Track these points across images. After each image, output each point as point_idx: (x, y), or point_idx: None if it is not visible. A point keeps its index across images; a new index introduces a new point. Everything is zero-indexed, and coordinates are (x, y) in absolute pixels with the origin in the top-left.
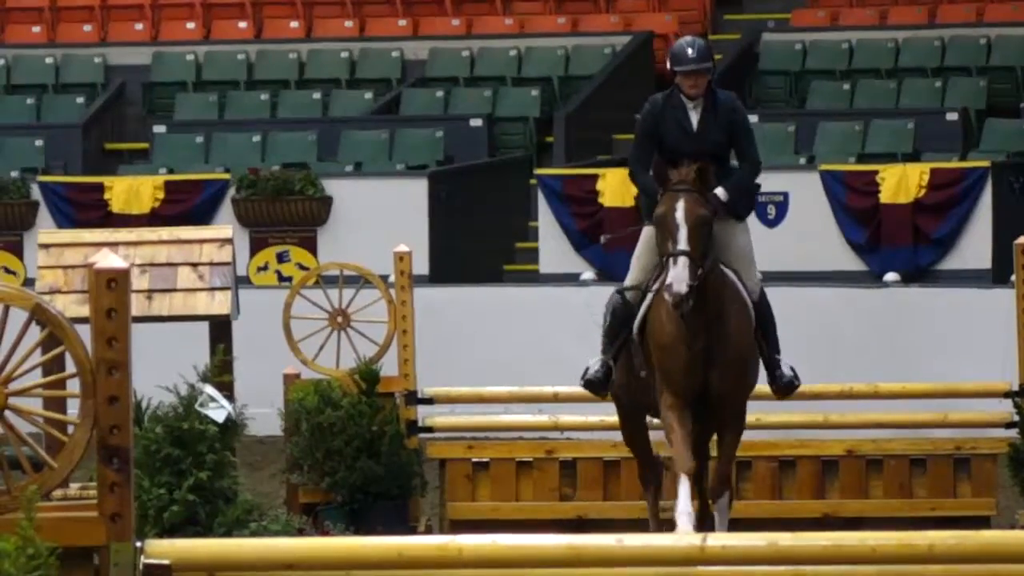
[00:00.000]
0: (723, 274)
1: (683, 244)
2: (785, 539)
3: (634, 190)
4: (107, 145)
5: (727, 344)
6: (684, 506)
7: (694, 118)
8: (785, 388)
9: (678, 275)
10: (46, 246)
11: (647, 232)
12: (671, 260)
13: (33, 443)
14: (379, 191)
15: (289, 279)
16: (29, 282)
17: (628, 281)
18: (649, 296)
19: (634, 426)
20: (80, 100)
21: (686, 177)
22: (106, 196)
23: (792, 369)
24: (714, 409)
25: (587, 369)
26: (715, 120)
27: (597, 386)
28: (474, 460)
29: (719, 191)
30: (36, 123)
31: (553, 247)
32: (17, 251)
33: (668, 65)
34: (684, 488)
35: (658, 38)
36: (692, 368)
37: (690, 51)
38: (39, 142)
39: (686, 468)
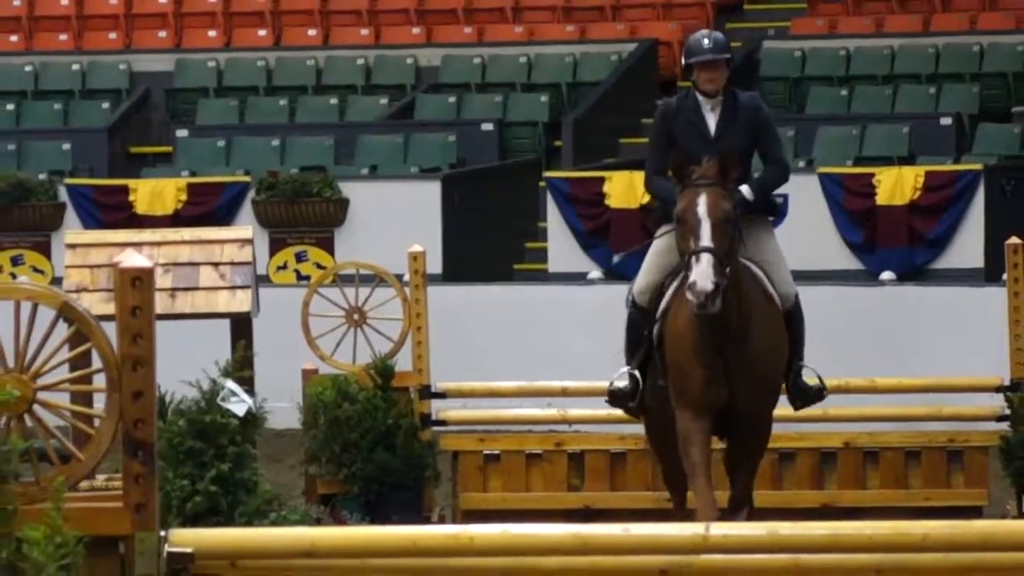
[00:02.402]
0: (752, 276)
1: (706, 240)
2: (785, 528)
3: (640, 193)
4: (132, 149)
5: (754, 358)
6: None
7: (711, 121)
8: (804, 394)
9: (702, 272)
10: (73, 246)
11: (659, 242)
12: (693, 258)
13: (61, 436)
14: (394, 193)
15: (307, 278)
16: (56, 281)
17: (637, 286)
18: (667, 295)
19: (663, 439)
20: (105, 105)
21: (707, 172)
22: (131, 198)
23: (819, 378)
24: (737, 425)
25: (612, 381)
26: (735, 122)
27: (622, 398)
28: (485, 452)
29: (744, 189)
30: (63, 128)
31: (561, 247)
32: (45, 251)
33: (683, 59)
34: None
35: (662, 45)
36: (712, 384)
37: (706, 42)
38: (66, 146)
39: (711, 519)
